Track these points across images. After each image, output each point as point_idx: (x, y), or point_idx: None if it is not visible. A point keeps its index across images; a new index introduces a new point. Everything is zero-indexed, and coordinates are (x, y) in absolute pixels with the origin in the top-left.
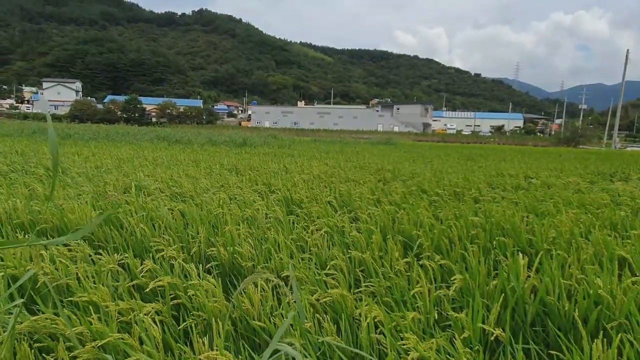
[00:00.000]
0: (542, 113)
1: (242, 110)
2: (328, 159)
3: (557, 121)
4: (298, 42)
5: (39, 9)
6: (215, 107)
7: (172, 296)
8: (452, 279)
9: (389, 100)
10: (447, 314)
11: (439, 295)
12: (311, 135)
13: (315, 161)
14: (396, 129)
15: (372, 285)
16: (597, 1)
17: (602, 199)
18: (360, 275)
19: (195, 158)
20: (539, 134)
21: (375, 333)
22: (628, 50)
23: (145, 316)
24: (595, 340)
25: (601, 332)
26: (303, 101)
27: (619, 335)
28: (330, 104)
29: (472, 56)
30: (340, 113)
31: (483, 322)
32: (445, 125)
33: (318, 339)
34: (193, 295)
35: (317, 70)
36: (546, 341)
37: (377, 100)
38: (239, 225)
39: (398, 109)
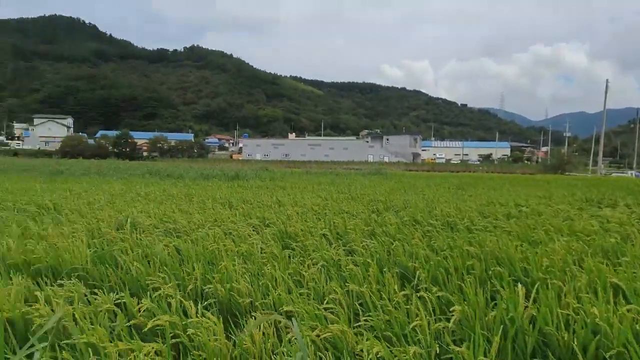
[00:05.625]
0: (528, 141)
1: (233, 143)
2: (320, 191)
3: (543, 149)
4: (288, 76)
5: (32, 47)
6: (206, 140)
7: (170, 335)
8: (451, 310)
9: (379, 131)
10: (448, 348)
11: (438, 328)
12: (302, 167)
13: (308, 193)
14: (386, 159)
15: (371, 319)
16: (574, 34)
17: (592, 226)
18: (359, 309)
19: (187, 192)
20: (526, 161)
21: None
22: (607, 80)
23: (146, 357)
24: None
25: None
26: (294, 133)
27: None
28: (320, 135)
29: (457, 87)
30: (331, 144)
31: (485, 355)
32: (434, 154)
33: None
34: (193, 334)
35: (308, 102)
36: None
37: (366, 131)
38: (235, 260)
39: (388, 140)
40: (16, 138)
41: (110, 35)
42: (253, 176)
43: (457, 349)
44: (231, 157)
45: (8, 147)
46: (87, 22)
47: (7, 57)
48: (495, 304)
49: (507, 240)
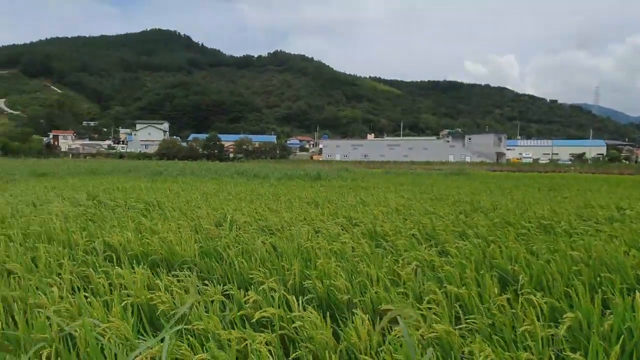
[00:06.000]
0: (627, 139)
1: (313, 144)
2: (402, 192)
3: None
4: (367, 76)
5: (135, 59)
6: (288, 141)
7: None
8: (564, 317)
9: (460, 130)
10: (560, 354)
11: (547, 335)
12: (381, 167)
13: (391, 193)
14: (468, 159)
15: (474, 322)
16: None
17: None
18: (460, 311)
19: (274, 192)
20: (624, 161)
21: None
22: None
23: (259, 345)
24: None
25: None
26: (372, 134)
27: None
28: (399, 136)
29: (546, 82)
30: (410, 145)
31: None
32: (520, 154)
33: None
34: (300, 326)
35: (386, 103)
36: None
37: (447, 130)
38: (330, 258)
39: (470, 139)
40: (121, 142)
41: (202, 44)
42: (335, 176)
43: (573, 355)
44: (311, 157)
45: (115, 151)
46: (182, 34)
47: (115, 69)
48: (610, 312)
49: (617, 246)
